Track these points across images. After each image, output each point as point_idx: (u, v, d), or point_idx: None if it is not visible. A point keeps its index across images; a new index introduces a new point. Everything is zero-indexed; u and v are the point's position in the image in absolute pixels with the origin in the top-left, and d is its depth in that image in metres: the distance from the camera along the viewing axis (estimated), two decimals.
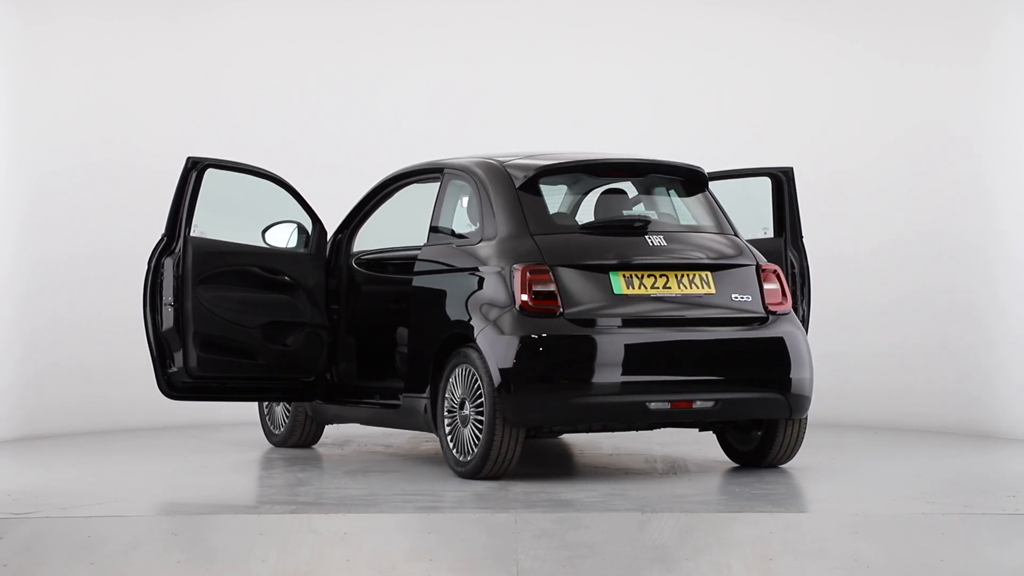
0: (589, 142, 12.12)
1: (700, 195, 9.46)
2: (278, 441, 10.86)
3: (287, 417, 10.71)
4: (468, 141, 12.05)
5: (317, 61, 13.38)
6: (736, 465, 9.52)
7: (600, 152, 9.94)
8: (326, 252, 10.01)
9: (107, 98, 12.68)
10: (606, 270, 8.85)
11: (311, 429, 10.72)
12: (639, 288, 8.86)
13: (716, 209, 9.41)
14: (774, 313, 9.09)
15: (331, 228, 10.21)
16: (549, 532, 7.19)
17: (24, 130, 12.18)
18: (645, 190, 9.58)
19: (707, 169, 9.75)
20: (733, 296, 9.01)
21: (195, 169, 9.41)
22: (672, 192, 9.52)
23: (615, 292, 8.82)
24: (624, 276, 8.86)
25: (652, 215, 9.38)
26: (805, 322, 10.17)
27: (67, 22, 12.51)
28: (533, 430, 8.88)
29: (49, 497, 8.33)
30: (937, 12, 12.45)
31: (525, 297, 8.70)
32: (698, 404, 8.84)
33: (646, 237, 8.98)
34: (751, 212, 10.27)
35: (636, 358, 8.75)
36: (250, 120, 13.11)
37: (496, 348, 8.67)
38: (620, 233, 9.03)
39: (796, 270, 10.18)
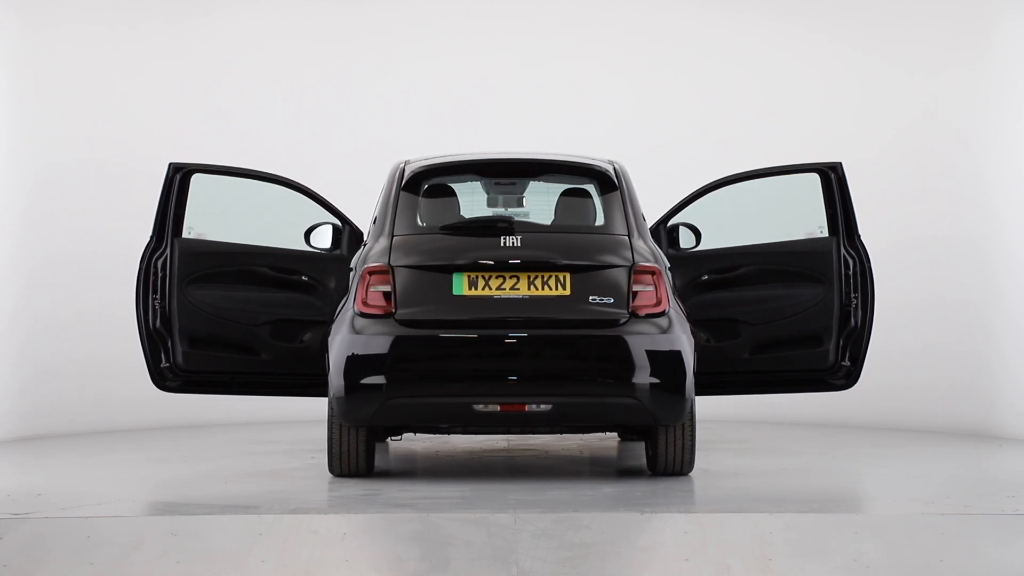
0: (584, 143, 12.13)
1: (609, 194, 9.17)
2: None
3: None
4: (469, 141, 12.06)
5: (317, 63, 13.40)
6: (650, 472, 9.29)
7: (509, 152, 9.86)
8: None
9: (108, 101, 12.70)
10: (450, 271, 8.76)
11: None
12: (483, 289, 8.73)
13: (619, 208, 9.10)
14: (642, 315, 8.71)
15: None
16: (549, 532, 7.19)
17: (24, 130, 12.19)
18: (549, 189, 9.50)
19: (744, 167, 9.61)
20: (591, 298, 8.71)
21: (178, 174, 9.66)
22: (586, 191, 9.34)
23: (454, 293, 8.72)
24: (469, 277, 8.74)
25: (521, 215, 9.29)
26: (866, 328, 9.61)
27: (70, 30, 12.53)
28: (390, 430, 8.93)
29: (49, 497, 8.33)
30: (937, 14, 12.45)
31: (362, 298, 8.74)
32: (531, 407, 8.60)
33: (501, 238, 8.81)
34: (801, 210, 9.95)
35: (461, 359, 8.67)
36: (250, 122, 13.13)
37: (331, 348, 8.75)
38: (479, 234, 8.90)
39: (852, 271, 9.64)
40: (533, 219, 9.53)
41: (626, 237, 8.97)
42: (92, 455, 10.78)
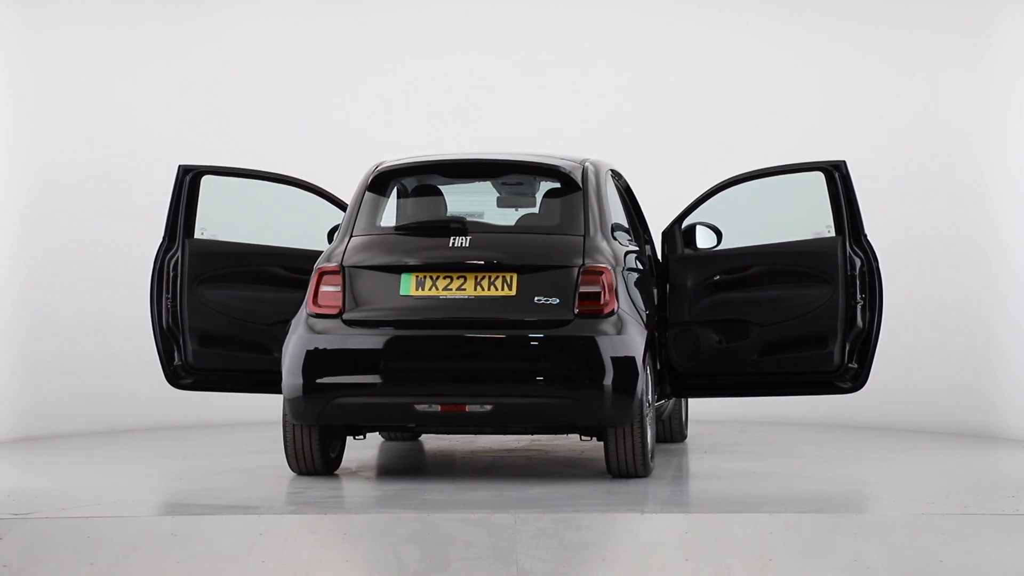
0: (583, 143, 12.13)
1: (572, 195, 9.05)
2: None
3: None
4: (469, 142, 12.07)
5: (317, 63, 13.40)
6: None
7: (475, 152, 9.84)
8: None
9: (108, 101, 12.70)
10: (399, 271, 8.79)
11: None
12: (429, 290, 8.74)
13: (579, 209, 8.99)
14: (589, 316, 8.63)
15: None
16: (549, 532, 7.18)
17: (24, 130, 12.18)
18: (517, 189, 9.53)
19: (745, 167, 9.57)
20: (536, 299, 8.66)
21: (187, 176, 9.81)
22: (552, 191, 9.28)
23: (401, 293, 8.76)
24: (416, 278, 8.76)
25: (476, 215, 9.29)
26: (874, 329, 9.34)
27: (70, 30, 12.53)
28: (351, 429, 9.00)
29: (49, 497, 8.33)
30: (937, 14, 12.45)
31: (312, 298, 8.82)
32: (472, 408, 8.59)
33: (451, 239, 8.80)
34: (811, 209, 9.79)
35: (402, 359, 8.70)
36: (250, 122, 13.13)
37: (285, 347, 8.81)
38: (431, 234, 8.90)
39: (858, 271, 9.36)
40: (496, 220, 9.52)
41: (580, 238, 8.89)
42: (92, 455, 10.78)
